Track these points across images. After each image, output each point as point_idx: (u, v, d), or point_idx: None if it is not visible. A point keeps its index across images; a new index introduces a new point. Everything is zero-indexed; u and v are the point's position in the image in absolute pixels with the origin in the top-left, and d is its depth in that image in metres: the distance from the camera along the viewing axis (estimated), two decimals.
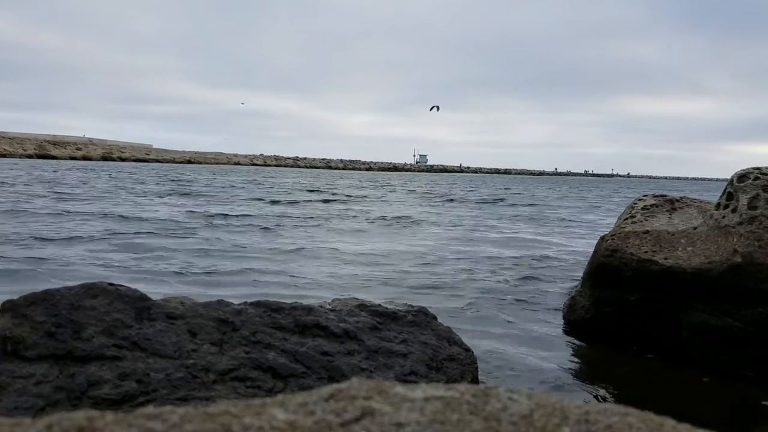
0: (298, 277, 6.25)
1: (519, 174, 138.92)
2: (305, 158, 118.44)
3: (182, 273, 6.22)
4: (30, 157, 57.73)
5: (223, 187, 23.89)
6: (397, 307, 3.05)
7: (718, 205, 3.90)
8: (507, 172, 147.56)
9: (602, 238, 4.08)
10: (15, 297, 2.28)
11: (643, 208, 4.38)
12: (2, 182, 19.29)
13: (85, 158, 63.99)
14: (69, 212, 11.34)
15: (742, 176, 3.77)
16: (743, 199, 3.65)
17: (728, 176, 3.94)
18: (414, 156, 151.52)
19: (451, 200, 22.12)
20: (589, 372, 3.97)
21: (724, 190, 3.89)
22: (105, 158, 67.00)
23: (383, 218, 13.26)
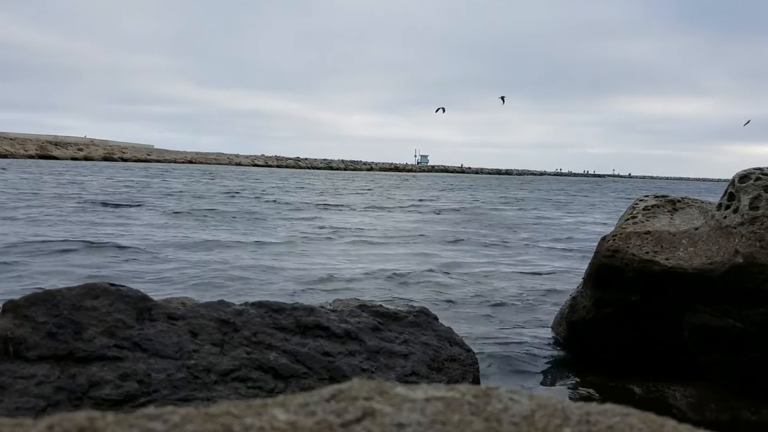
0: None
1: (520, 174, 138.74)
2: (306, 159, 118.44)
3: None
4: (31, 157, 57.77)
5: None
6: (398, 308, 3.05)
7: (720, 205, 3.89)
8: (508, 172, 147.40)
9: (603, 239, 4.07)
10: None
11: (644, 209, 4.38)
12: None
13: (86, 159, 64.08)
14: None
15: (744, 177, 3.77)
16: (745, 200, 3.65)
17: (729, 177, 3.93)
18: (415, 156, 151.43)
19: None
20: (589, 372, 3.97)
21: (726, 191, 3.88)
22: (106, 158, 67.10)
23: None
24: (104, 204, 14.85)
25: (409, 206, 19.93)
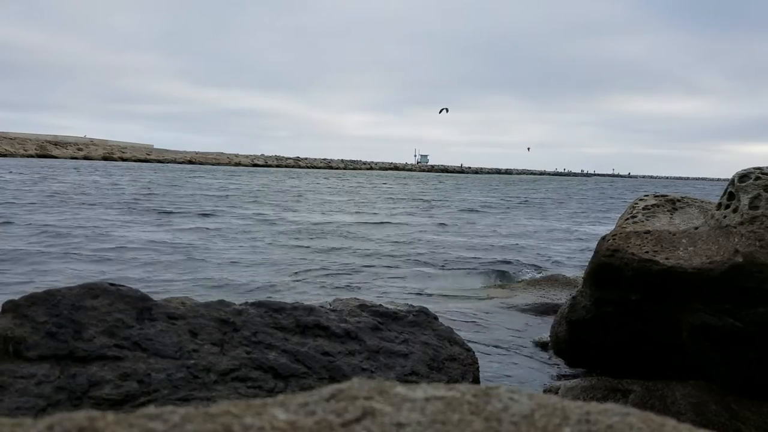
0: None
1: (520, 174, 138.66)
2: (306, 158, 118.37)
3: None
4: (31, 157, 57.90)
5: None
6: (398, 308, 3.05)
7: (719, 205, 3.89)
8: (508, 172, 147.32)
9: (603, 238, 4.07)
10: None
11: (644, 208, 4.38)
12: None
13: (86, 158, 64.13)
14: None
15: (744, 176, 3.77)
16: (744, 199, 3.65)
17: (729, 176, 3.93)
18: (415, 156, 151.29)
19: None
20: (588, 371, 3.97)
21: (725, 190, 3.88)
22: (106, 158, 67.14)
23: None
24: None
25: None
